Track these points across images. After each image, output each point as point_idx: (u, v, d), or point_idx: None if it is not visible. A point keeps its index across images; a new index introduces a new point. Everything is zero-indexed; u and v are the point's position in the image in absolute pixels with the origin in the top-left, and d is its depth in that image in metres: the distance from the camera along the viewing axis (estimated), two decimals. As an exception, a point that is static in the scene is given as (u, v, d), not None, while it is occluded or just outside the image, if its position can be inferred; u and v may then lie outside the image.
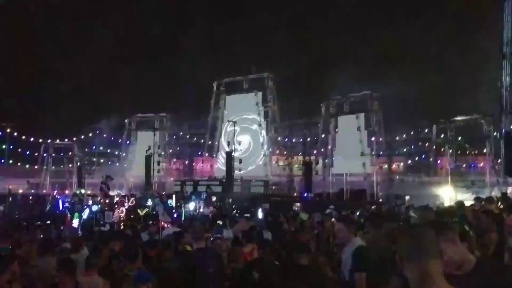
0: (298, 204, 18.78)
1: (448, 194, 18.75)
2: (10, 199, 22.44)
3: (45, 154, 32.86)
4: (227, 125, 32.36)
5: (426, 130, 29.73)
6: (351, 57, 35.50)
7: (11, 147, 31.45)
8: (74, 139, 32.94)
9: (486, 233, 4.98)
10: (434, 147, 29.30)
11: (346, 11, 38.09)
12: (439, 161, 28.78)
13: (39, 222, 11.93)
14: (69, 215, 14.10)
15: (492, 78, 21.56)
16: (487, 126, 25.39)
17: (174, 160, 36.05)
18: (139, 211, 14.52)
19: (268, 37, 36.92)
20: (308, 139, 30.80)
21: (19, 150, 31.88)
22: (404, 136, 30.32)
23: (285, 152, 32.23)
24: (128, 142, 35.52)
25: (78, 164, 30.60)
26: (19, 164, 32.98)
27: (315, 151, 30.07)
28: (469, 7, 28.10)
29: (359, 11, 38.02)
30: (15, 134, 31.37)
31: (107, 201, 16.19)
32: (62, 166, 33.66)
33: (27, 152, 32.81)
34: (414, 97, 28.21)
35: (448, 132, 27.54)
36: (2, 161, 31.41)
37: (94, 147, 34.81)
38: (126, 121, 35.47)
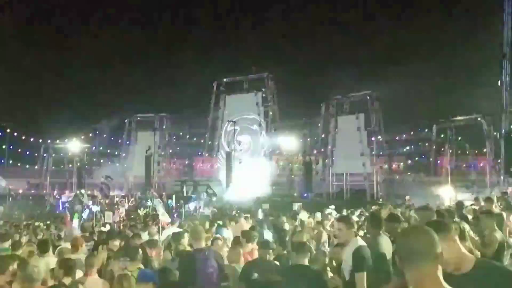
0: (298, 204, 18.77)
1: (448, 194, 18.72)
2: (10, 199, 22.46)
3: (45, 154, 32.86)
4: (227, 125, 32.34)
5: (426, 130, 29.76)
6: (351, 57, 35.56)
7: (11, 147, 31.47)
8: (74, 139, 32.92)
9: (486, 233, 4.98)
10: (434, 147, 29.33)
11: (346, 11, 38.13)
12: (439, 161, 28.79)
13: (39, 222, 11.93)
14: (69, 215, 14.11)
15: (492, 78, 21.58)
16: (487, 126, 25.40)
17: (174, 160, 36.04)
18: (139, 211, 14.54)
19: (268, 37, 36.94)
20: (308, 139, 30.80)
21: (19, 150, 31.92)
22: (404, 136, 30.35)
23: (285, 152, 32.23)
24: (128, 142, 35.52)
25: (78, 164, 30.60)
26: (19, 164, 33.00)
27: (315, 151, 30.08)
28: (469, 7, 28.13)
29: (359, 11, 38.06)
30: (15, 134, 31.38)
31: (107, 201, 16.21)
32: (62, 166, 33.66)
33: (27, 152, 32.83)
34: (414, 97, 28.24)
35: (448, 132, 27.53)
36: (2, 161, 31.43)
37: (94, 147, 34.81)
38: (126, 121, 35.49)
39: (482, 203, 9.54)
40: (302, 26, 38.41)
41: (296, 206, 15.57)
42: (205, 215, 14.95)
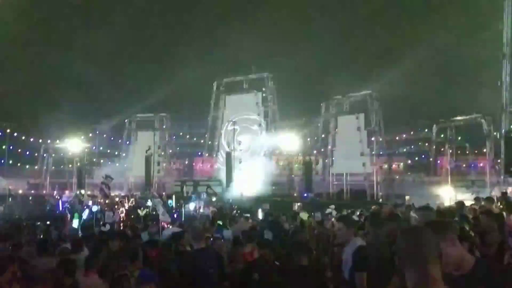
0: (298, 204, 18.77)
1: (448, 194, 18.75)
2: (10, 199, 22.44)
3: (45, 155, 32.85)
4: (227, 125, 32.35)
5: (426, 130, 29.76)
6: (351, 57, 35.53)
7: (11, 147, 31.44)
8: (74, 139, 32.89)
9: (487, 233, 4.98)
10: (434, 147, 29.33)
11: (346, 11, 38.09)
12: (439, 161, 28.80)
13: (39, 223, 11.92)
14: (69, 215, 14.09)
15: (492, 78, 21.58)
16: (487, 126, 25.40)
17: (174, 160, 36.04)
18: (139, 211, 14.52)
19: (268, 37, 36.88)
20: (308, 139, 30.80)
21: (19, 150, 31.88)
22: (404, 136, 30.35)
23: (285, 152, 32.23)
24: (128, 142, 35.50)
25: (78, 164, 30.59)
26: (19, 164, 32.98)
27: (315, 151, 30.08)
28: (469, 7, 28.10)
29: (359, 11, 38.01)
30: (15, 134, 31.36)
31: (107, 201, 16.20)
32: (62, 167, 33.64)
33: (27, 152, 32.81)
34: (414, 97, 28.25)
35: (448, 132, 27.55)
36: (2, 161, 31.40)
37: (94, 147, 34.80)
38: (126, 121, 35.45)
39: (482, 203, 9.54)
40: (302, 26, 38.36)
41: (296, 206, 15.58)
42: (205, 215, 14.93)
